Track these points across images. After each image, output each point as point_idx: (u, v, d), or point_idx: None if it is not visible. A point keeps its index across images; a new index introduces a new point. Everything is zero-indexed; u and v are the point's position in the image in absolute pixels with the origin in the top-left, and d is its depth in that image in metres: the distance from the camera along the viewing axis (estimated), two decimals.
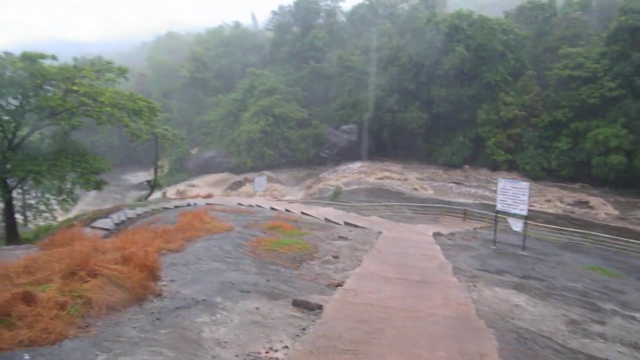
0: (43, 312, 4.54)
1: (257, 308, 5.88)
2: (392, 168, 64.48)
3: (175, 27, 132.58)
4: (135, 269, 6.08)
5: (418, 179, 61.31)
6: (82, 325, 4.71)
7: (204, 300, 5.90)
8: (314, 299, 6.54)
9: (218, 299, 6.00)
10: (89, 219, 24.23)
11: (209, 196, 33.76)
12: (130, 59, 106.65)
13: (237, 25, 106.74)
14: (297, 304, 6.24)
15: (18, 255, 7.81)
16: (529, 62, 65.17)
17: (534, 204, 43.00)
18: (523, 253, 14.47)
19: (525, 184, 15.45)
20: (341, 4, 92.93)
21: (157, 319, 5.16)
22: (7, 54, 24.48)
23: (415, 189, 55.88)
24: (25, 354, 3.86)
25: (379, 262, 9.94)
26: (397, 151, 70.32)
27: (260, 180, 37.16)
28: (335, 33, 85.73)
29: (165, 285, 6.48)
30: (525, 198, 14.90)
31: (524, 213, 15.07)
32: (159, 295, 6.00)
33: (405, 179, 60.04)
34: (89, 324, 4.78)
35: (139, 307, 5.51)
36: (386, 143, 70.75)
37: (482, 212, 26.94)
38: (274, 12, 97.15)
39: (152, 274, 6.46)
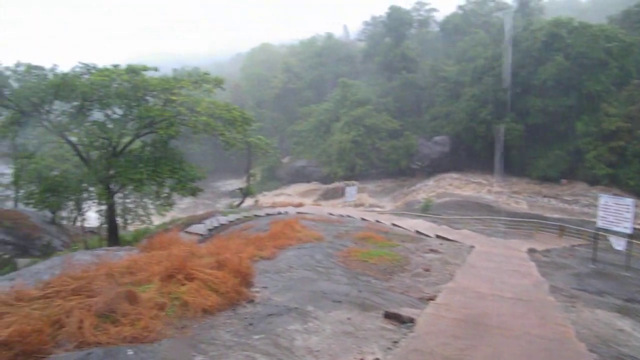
0: (144, 311, 4.75)
1: (348, 318, 5.85)
2: (485, 181, 62.62)
3: (269, 39, 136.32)
4: (229, 275, 6.25)
5: (511, 192, 59.14)
6: (179, 327, 4.88)
7: (296, 308, 5.94)
8: (406, 311, 6.40)
9: (310, 308, 6.01)
10: (183, 224, 25.34)
11: (299, 205, 34.32)
12: (226, 69, 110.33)
13: (330, 36, 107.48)
14: (388, 316, 6.16)
15: (120, 256, 8.22)
16: (636, 70, 60.81)
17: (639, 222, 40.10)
18: (627, 274, 13.50)
19: (629, 200, 14.56)
20: (434, 14, 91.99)
21: (250, 324, 5.25)
22: (115, 66, 25.97)
23: (508, 203, 53.91)
24: (129, 350, 4.04)
25: (472, 277, 9.66)
26: (491, 163, 67.97)
27: (351, 190, 37.29)
28: (427, 43, 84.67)
29: (258, 292, 6.60)
30: (630, 215, 14.03)
31: (628, 231, 14.16)
32: (251, 301, 6.12)
33: (498, 192, 58.10)
34: (185, 326, 4.94)
35: (232, 312, 5.63)
36: (479, 155, 68.35)
37: (581, 228, 25.56)
38: (366, 23, 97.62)
39: (246, 280, 6.61)
